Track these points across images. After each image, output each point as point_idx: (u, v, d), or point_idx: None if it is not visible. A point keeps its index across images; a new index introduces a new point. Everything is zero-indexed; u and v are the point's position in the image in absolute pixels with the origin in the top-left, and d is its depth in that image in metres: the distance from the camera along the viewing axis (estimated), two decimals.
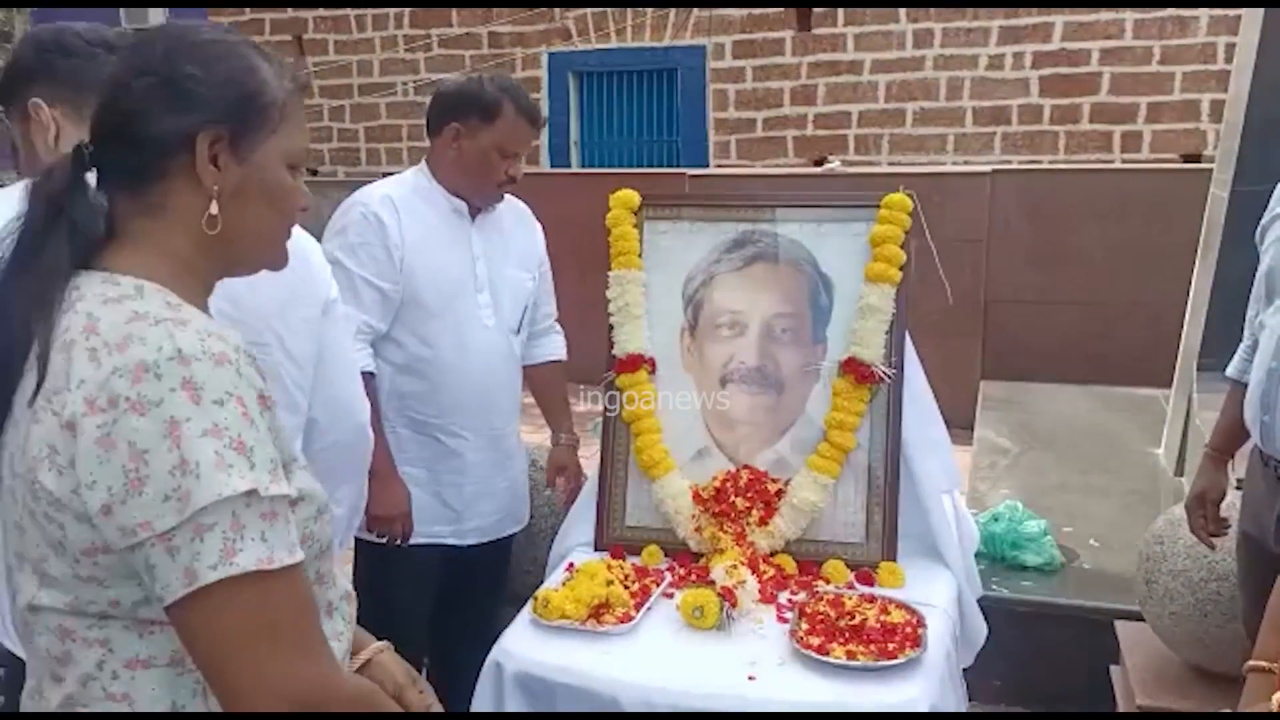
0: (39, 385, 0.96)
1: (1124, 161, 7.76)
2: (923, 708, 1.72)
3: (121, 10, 13.18)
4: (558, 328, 2.66)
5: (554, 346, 2.65)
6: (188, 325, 0.97)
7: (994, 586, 2.95)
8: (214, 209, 1.04)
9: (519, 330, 2.47)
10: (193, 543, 0.91)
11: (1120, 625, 2.72)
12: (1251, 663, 1.51)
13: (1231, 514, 2.17)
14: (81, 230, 1.03)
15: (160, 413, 0.91)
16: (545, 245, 2.57)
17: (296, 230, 1.44)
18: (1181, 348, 4.19)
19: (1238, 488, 2.18)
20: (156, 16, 13.14)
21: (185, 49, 1.05)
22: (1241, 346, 2.18)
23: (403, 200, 2.31)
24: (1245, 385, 2.11)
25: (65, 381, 0.95)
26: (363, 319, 2.23)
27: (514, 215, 2.50)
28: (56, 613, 0.99)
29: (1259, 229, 2.05)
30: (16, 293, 1.00)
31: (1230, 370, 2.19)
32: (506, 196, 2.45)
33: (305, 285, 1.64)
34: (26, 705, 1.07)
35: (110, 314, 0.97)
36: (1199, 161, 7.16)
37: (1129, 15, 7.66)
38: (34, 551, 0.99)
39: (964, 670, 2.21)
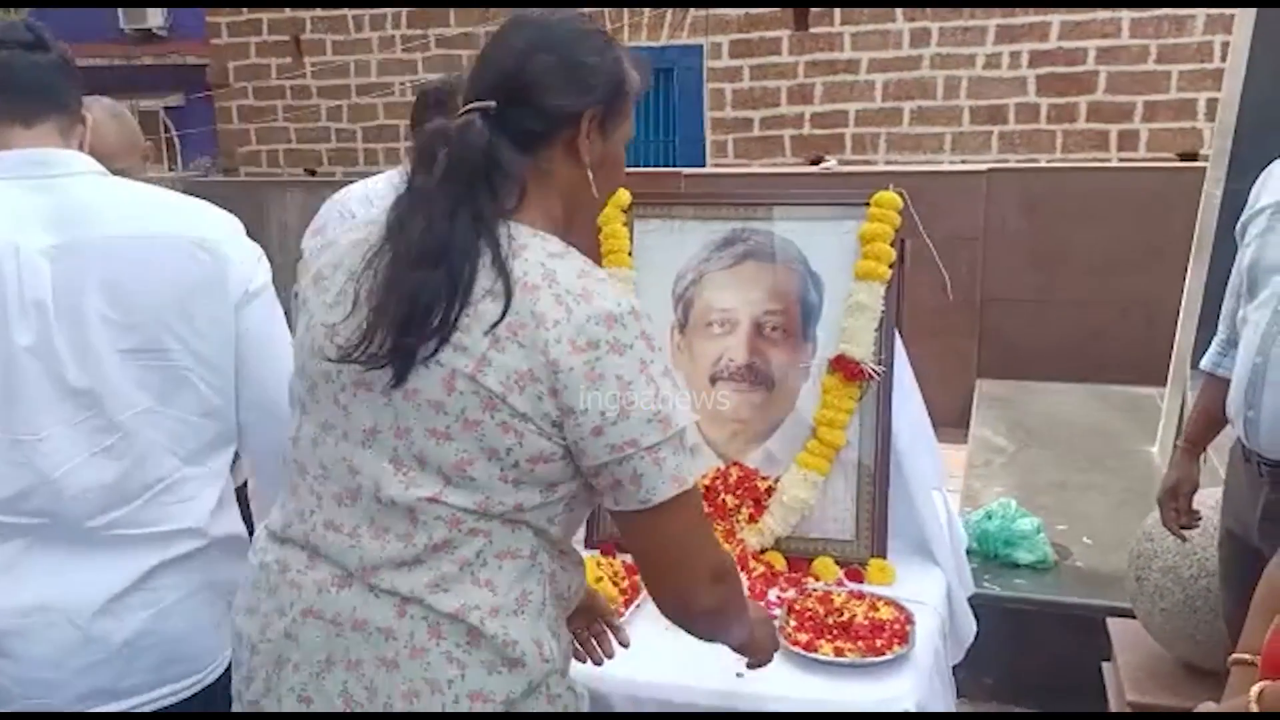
0: (502, 317, 1.13)
1: (1121, 160, 7.78)
2: (909, 705, 1.72)
3: (120, 10, 13.18)
4: None
5: None
6: (616, 283, 1.22)
7: (986, 584, 2.96)
8: (591, 177, 1.26)
9: None
10: (675, 455, 1.17)
11: (1112, 622, 2.73)
12: (1235, 655, 1.51)
13: (1207, 509, 2.19)
14: (503, 182, 1.21)
15: (633, 355, 1.14)
16: None
17: (203, 219, 1.52)
18: (1176, 346, 4.20)
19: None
20: (155, 17, 13.18)
21: (579, 36, 1.26)
22: (1216, 340, 2.19)
23: (379, 196, 2.31)
24: (1219, 378, 2.13)
25: (532, 320, 1.14)
26: None
27: None
28: (452, 508, 1.18)
29: (1240, 224, 2.07)
30: (457, 232, 1.17)
31: (1204, 363, 2.20)
32: None
33: (210, 280, 1.49)
34: (373, 583, 1.20)
35: (562, 267, 1.17)
36: (1195, 160, 7.17)
37: (1125, 14, 7.68)
38: (453, 456, 1.17)
39: (955, 667, 2.22)
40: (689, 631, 1.36)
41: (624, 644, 1.62)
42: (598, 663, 1.61)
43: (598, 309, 1.14)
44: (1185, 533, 2.25)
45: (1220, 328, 2.19)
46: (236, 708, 1.32)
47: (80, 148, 1.54)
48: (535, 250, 1.19)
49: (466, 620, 1.19)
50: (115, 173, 1.79)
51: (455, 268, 1.16)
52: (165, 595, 1.46)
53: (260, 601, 1.28)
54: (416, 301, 1.15)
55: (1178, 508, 2.21)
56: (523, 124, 1.22)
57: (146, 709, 1.47)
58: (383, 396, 1.19)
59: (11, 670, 1.41)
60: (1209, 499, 2.25)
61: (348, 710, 1.20)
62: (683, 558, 1.24)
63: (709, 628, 1.36)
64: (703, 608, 1.28)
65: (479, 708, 1.18)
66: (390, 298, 1.17)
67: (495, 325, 1.14)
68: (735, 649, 1.49)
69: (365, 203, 2.28)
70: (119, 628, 1.43)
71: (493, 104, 1.21)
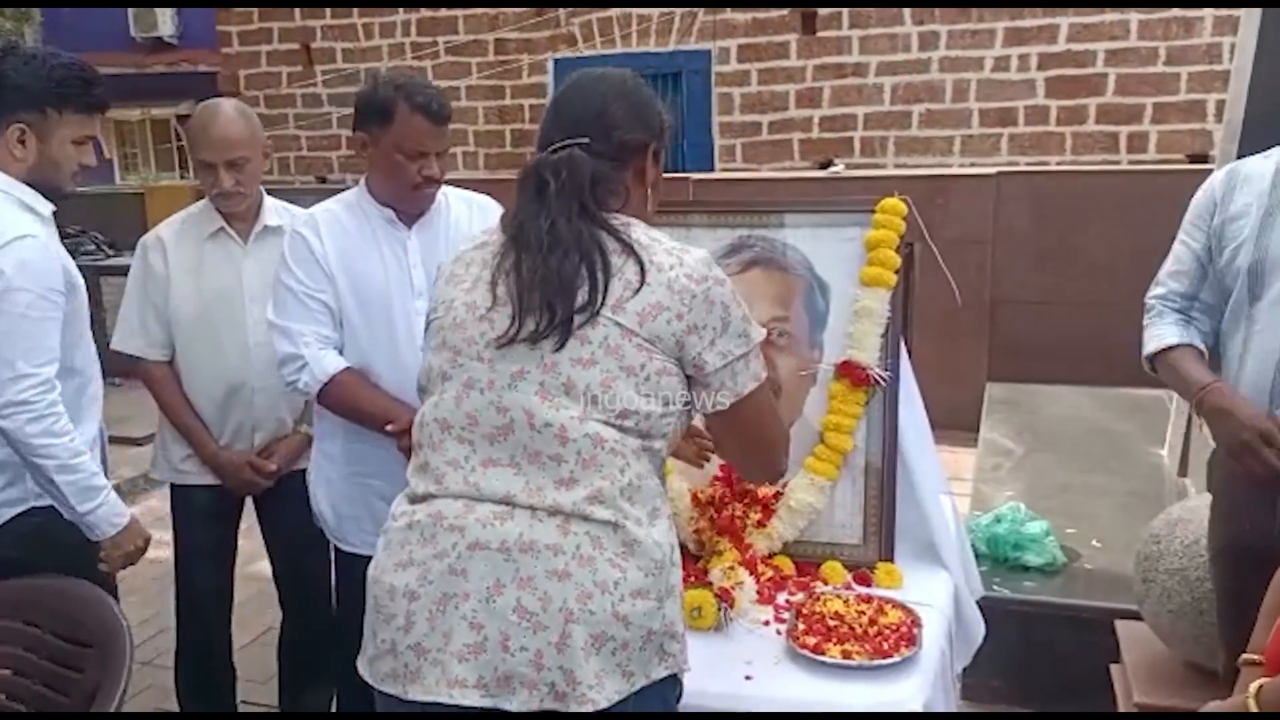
0: (641, 278, 1.46)
1: (1130, 162, 7.76)
2: (916, 707, 1.74)
3: (129, 11, 13.25)
4: None
5: None
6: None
7: (996, 587, 2.97)
8: (649, 195, 1.65)
9: None
10: (755, 360, 1.55)
11: (1120, 624, 2.73)
12: (1245, 656, 1.53)
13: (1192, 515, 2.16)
14: (605, 191, 1.54)
15: (727, 287, 1.52)
16: None
17: None
18: None
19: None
20: (166, 26, 13.24)
21: (640, 87, 1.64)
22: (1165, 321, 2.09)
23: (327, 215, 2.32)
24: (1192, 346, 2.04)
25: (654, 268, 1.47)
26: (316, 331, 2.25)
27: (468, 209, 2.42)
28: (597, 422, 1.45)
29: (1217, 222, 2.02)
30: (577, 227, 1.48)
31: (1169, 340, 2.07)
32: (459, 193, 2.43)
33: None
34: (525, 501, 1.45)
35: (661, 235, 1.55)
36: (1205, 162, 7.15)
37: (1134, 16, 7.67)
38: (598, 378, 1.44)
39: (963, 670, 2.23)
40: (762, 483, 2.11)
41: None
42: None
43: (699, 256, 1.51)
44: (1187, 534, 2.22)
45: (1165, 311, 2.10)
46: (390, 661, 1.46)
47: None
48: (639, 228, 1.54)
49: (624, 528, 1.43)
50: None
51: (586, 251, 1.46)
52: None
53: (413, 553, 1.46)
54: (560, 282, 1.44)
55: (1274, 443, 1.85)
56: (608, 153, 1.56)
57: None
58: (525, 343, 1.47)
59: None
60: (1202, 507, 2.25)
61: (520, 622, 1.38)
62: (763, 436, 1.63)
63: (777, 479, 2.01)
64: (780, 470, 1.73)
65: (641, 605, 1.41)
66: (535, 282, 1.46)
67: (638, 285, 1.46)
68: None
69: (312, 225, 2.30)
70: None
71: (586, 139, 1.54)
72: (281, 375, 2.28)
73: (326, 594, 2.69)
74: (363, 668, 1.52)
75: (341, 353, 2.27)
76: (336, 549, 2.46)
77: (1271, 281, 1.92)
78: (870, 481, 2.21)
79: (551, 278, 1.45)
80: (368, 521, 2.27)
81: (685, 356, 1.49)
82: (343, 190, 2.45)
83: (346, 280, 2.28)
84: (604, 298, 1.45)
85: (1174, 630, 2.46)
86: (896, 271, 2.20)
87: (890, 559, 2.17)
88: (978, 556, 2.79)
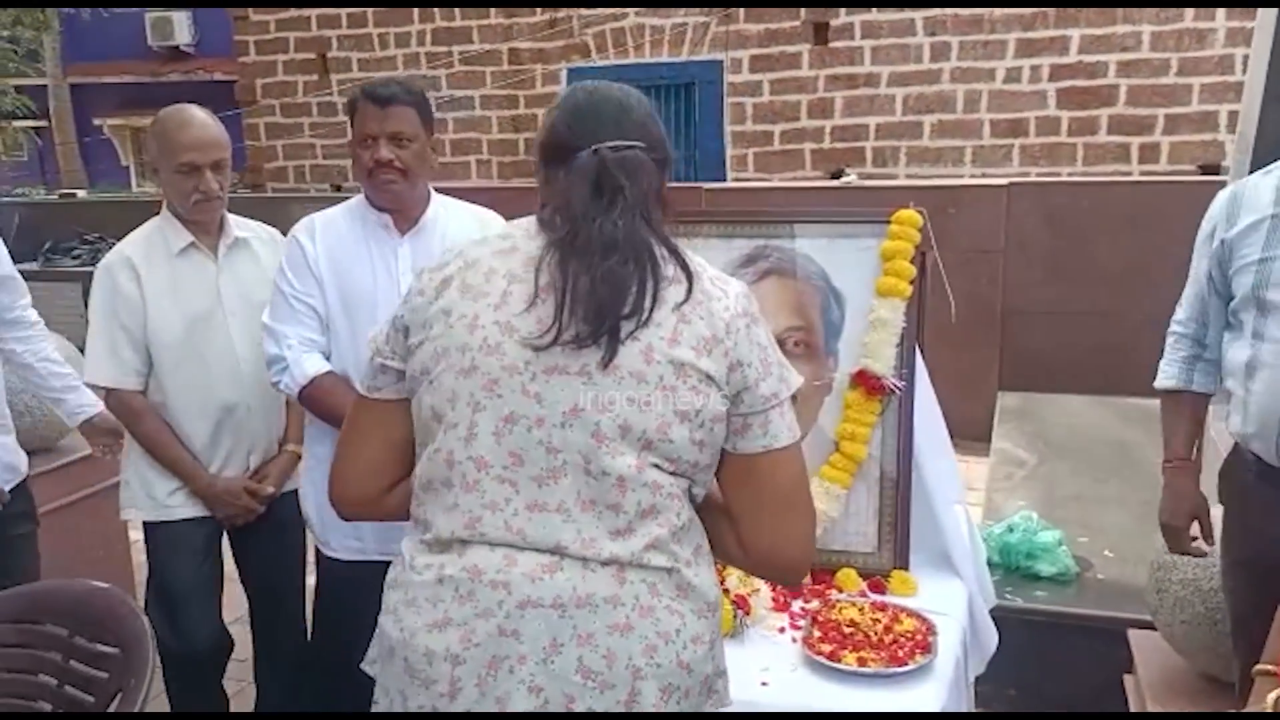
0: (687, 297, 1.36)
1: (1141, 173, 7.76)
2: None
3: (147, 20, 13.34)
4: None
5: None
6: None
7: (1008, 596, 2.97)
8: (666, 214, 1.48)
9: None
10: (790, 410, 1.41)
11: (1133, 634, 2.73)
12: (1260, 666, 1.53)
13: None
14: (656, 201, 1.44)
15: (763, 326, 1.42)
16: None
17: None
18: None
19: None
20: (181, 27, 13.32)
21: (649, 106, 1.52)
22: (1178, 356, 2.18)
23: (326, 221, 2.36)
24: (1194, 393, 2.14)
25: (704, 296, 1.37)
26: (300, 333, 2.30)
27: (467, 221, 2.42)
28: (656, 470, 1.34)
29: (1222, 244, 2.03)
30: (637, 230, 1.38)
31: (1169, 381, 2.19)
32: (460, 204, 2.46)
33: None
34: (577, 553, 1.32)
35: (706, 264, 1.45)
36: (1217, 173, 7.15)
37: (1146, 27, 7.68)
38: (654, 423, 1.33)
39: (977, 679, 2.24)
40: (775, 579, 1.77)
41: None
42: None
43: (739, 289, 1.42)
44: (1204, 547, 2.24)
45: (1179, 345, 2.18)
46: None
47: None
48: (684, 247, 1.44)
49: (678, 572, 1.35)
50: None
51: (640, 256, 1.36)
52: None
53: (450, 612, 1.32)
54: (614, 285, 1.33)
55: (1205, 530, 2.16)
56: (658, 161, 1.46)
57: None
58: (580, 377, 1.33)
59: None
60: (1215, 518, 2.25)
61: (585, 683, 1.29)
62: (793, 503, 1.43)
63: (796, 579, 1.79)
64: (800, 558, 1.46)
65: (699, 650, 1.35)
66: (586, 285, 1.33)
67: (681, 304, 1.36)
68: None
69: (309, 230, 2.34)
70: None
71: (642, 144, 1.44)
72: (269, 376, 2.33)
73: (300, 617, 2.69)
74: None
75: (329, 357, 2.32)
76: (318, 551, 2.48)
77: (1278, 295, 1.91)
78: (885, 490, 2.22)
79: (610, 279, 1.33)
80: (349, 526, 2.28)
81: (732, 393, 1.38)
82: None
83: (334, 284, 2.32)
84: (653, 306, 1.34)
85: (1188, 641, 2.46)
86: (912, 282, 2.22)
87: (905, 567, 2.18)
88: (990, 566, 2.79)
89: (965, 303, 2.38)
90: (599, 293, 1.33)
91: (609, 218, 1.38)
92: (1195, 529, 2.20)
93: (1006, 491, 4.05)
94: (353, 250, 2.34)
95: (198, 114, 2.47)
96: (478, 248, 1.45)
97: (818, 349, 2.29)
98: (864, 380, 2.21)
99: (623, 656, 1.30)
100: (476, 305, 1.38)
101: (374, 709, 1.42)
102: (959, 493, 2.32)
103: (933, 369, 2.29)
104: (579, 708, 1.28)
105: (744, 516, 1.42)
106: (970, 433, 4.79)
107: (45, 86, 14.51)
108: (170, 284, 2.47)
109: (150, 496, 2.53)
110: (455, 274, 1.42)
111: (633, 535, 1.33)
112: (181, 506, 2.52)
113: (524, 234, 1.44)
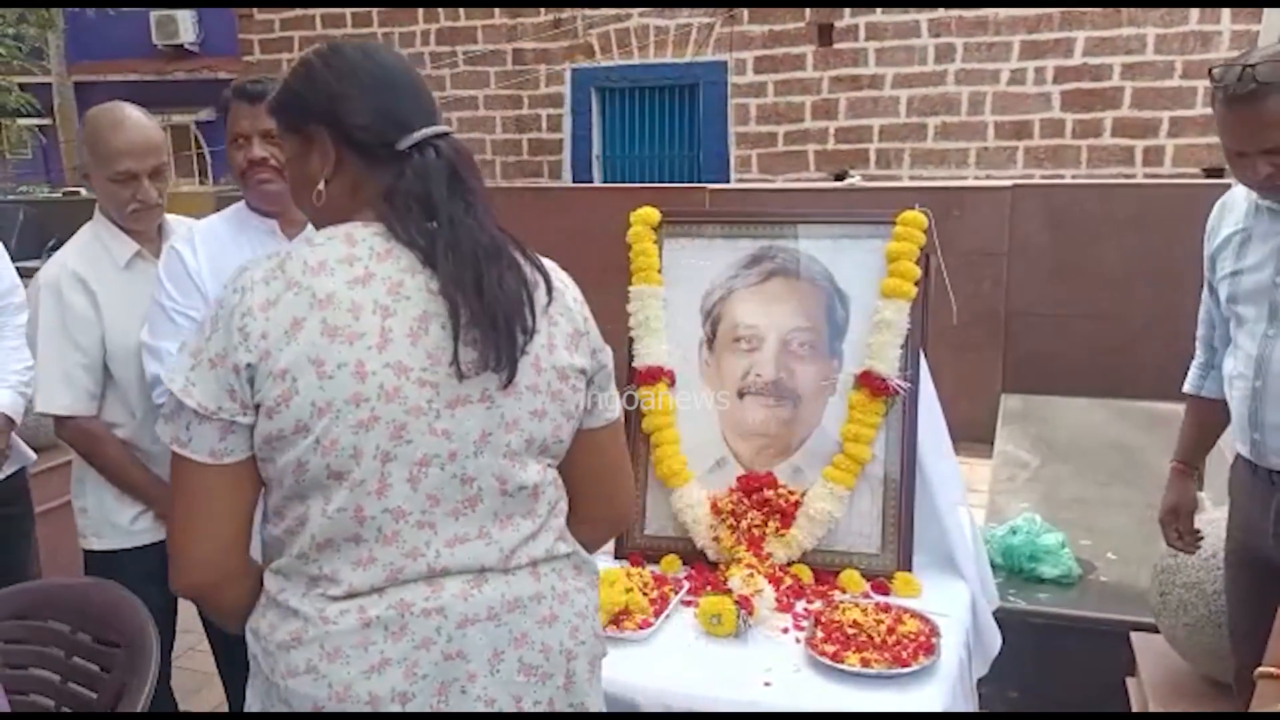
0: (549, 298, 1.34)
1: (1146, 176, 7.76)
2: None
3: (151, 18, 13.35)
4: None
5: None
6: None
7: (1011, 598, 2.97)
8: None
9: None
10: (612, 383, 1.46)
11: (1135, 637, 2.73)
12: (1261, 669, 1.53)
13: (1209, 529, 2.23)
14: (489, 201, 1.36)
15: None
16: None
17: None
18: None
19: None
20: (186, 26, 13.32)
21: None
22: (1195, 363, 2.24)
23: (205, 229, 2.22)
24: (1204, 399, 2.19)
25: (558, 293, 1.36)
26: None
27: None
28: (549, 468, 1.38)
29: (1208, 256, 2.08)
30: (495, 230, 1.31)
31: (1187, 387, 2.26)
32: None
33: None
34: (502, 558, 1.33)
35: (553, 263, 1.41)
36: (1221, 176, 7.14)
37: (1151, 29, 7.67)
38: (549, 430, 1.34)
39: (979, 680, 2.24)
40: (604, 538, 1.65)
41: None
42: None
43: (574, 287, 1.43)
44: (1205, 548, 2.28)
45: (1198, 351, 2.24)
46: None
47: None
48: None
49: (576, 554, 1.42)
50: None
51: (511, 261, 1.30)
52: None
53: (388, 652, 1.25)
54: (508, 300, 1.27)
55: (1180, 528, 2.25)
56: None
57: None
58: (484, 403, 1.28)
59: None
60: (1218, 520, 2.27)
61: (527, 680, 1.32)
62: (623, 467, 1.54)
63: (619, 532, 1.78)
64: (630, 513, 1.61)
65: (599, 618, 1.45)
66: (478, 305, 1.24)
67: (548, 306, 1.34)
68: None
69: (188, 240, 2.19)
70: None
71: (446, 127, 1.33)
72: (153, 397, 2.15)
73: None
74: None
75: None
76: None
77: (1249, 308, 1.96)
78: (888, 491, 2.22)
79: (502, 295, 1.26)
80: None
81: (591, 374, 1.41)
82: None
83: (213, 294, 2.11)
84: (534, 314, 1.30)
85: (1190, 644, 2.46)
86: (916, 283, 2.22)
87: (908, 568, 2.18)
88: (993, 568, 2.79)
89: (969, 305, 2.39)
90: (494, 312, 1.25)
91: (469, 221, 1.27)
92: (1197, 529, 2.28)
93: (1009, 493, 4.04)
94: (235, 258, 2.04)
95: (132, 114, 2.25)
96: (322, 279, 1.23)
97: (822, 350, 2.29)
98: (868, 381, 2.21)
99: (555, 645, 1.34)
100: (355, 350, 1.21)
101: None
102: (960, 494, 2.32)
103: (936, 370, 2.29)
104: (526, 704, 1.31)
105: (587, 486, 1.45)
106: (973, 434, 4.79)
107: (49, 84, 14.51)
108: (124, 297, 2.26)
109: (113, 525, 2.32)
110: (305, 314, 1.21)
111: (544, 533, 1.37)
112: (147, 531, 2.31)
113: (370, 253, 1.26)
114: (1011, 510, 3.68)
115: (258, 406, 1.22)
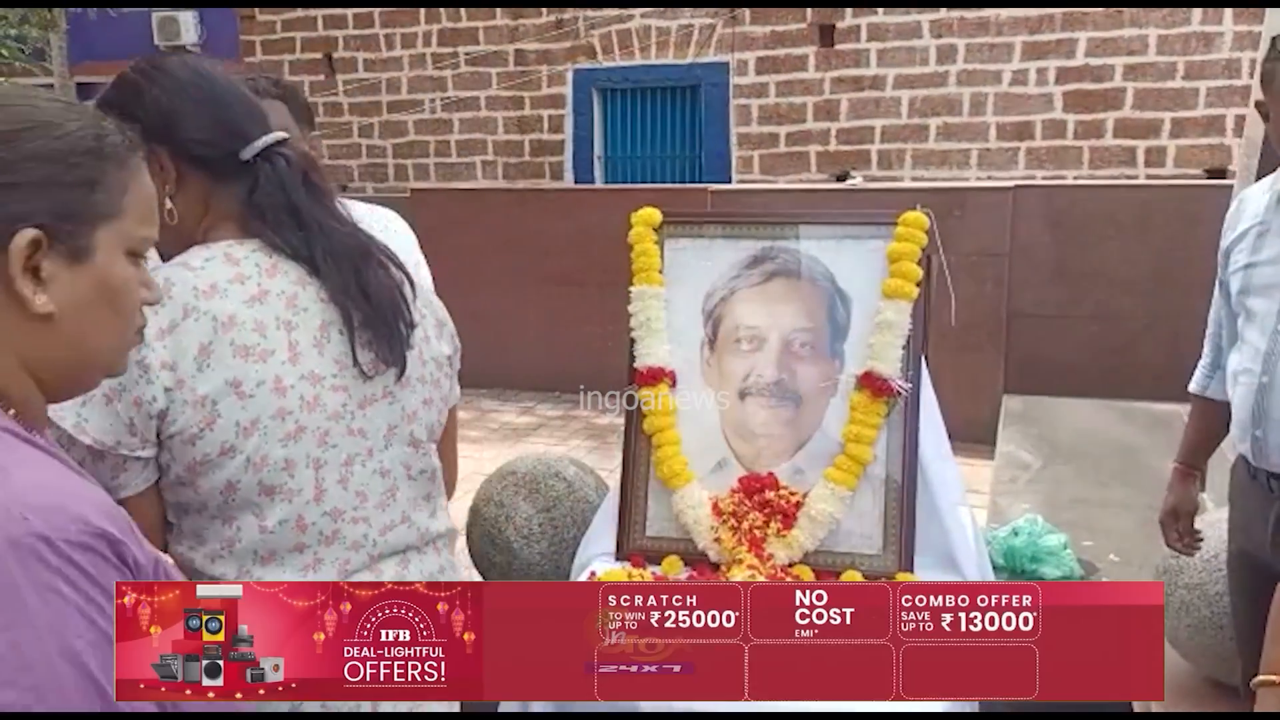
0: (414, 290, 1.40)
1: (1148, 177, 7.75)
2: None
3: (153, 20, 13.36)
4: None
5: None
6: None
7: None
8: None
9: None
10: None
11: None
12: (1261, 678, 1.52)
13: (1210, 530, 2.23)
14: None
15: None
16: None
17: None
18: None
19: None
20: (188, 27, 13.34)
21: None
22: (1201, 363, 2.25)
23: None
24: (1209, 399, 2.19)
25: (420, 288, 1.43)
26: None
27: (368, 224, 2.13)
28: (435, 449, 1.47)
29: (1221, 251, 2.10)
30: (363, 239, 1.37)
31: (1193, 386, 2.26)
32: (365, 206, 2.18)
33: None
34: (432, 527, 1.47)
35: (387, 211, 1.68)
36: (1223, 177, 7.14)
37: (1153, 30, 7.66)
38: (436, 415, 1.45)
39: None
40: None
41: None
42: None
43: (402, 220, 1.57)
44: (1207, 549, 2.27)
45: (1205, 350, 2.25)
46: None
47: None
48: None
49: (452, 529, 1.53)
50: None
51: (379, 258, 1.36)
52: None
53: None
54: (389, 297, 1.34)
55: (1179, 529, 2.26)
56: None
57: None
58: (387, 399, 1.37)
59: None
60: (1220, 521, 2.27)
61: None
62: (455, 440, 1.64)
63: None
64: (455, 481, 1.66)
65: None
66: (366, 308, 1.32)
67: (414, 299, 1.40)
68: None
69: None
70: None
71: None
72: None
73: None
74: None
75: None
76: None
77: (1259, 305, 1.96)
78: (890, 492, 2.22)
79: (383, 294, 1.33)
80: None
81: (452, 358, 1.52)
82: (363, 198, 2.45)
83: None
84: (411, 309, 1.38)
85: (1193, 645, 2.46)
86: (918, 284, 2.22)
87: (909, 569, 2.18)
88: (995, 569, 2.79)
89: (970, 306, 2.39)
90: (382, 312, 1.33)
91: (334, 225, 1.32)
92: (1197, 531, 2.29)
93: (1011, 495, 4.05)
94: None
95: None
96: (217, 301, 1.23)
97: (824, 350, 2.29)
98: (870, 382, 2.21)
99: None
100: (270, 366, 1.25)
101: None
102: (960, 495, 2.32)
103: (938, 371, 2.29)
104: None
105: (448, 455, 1.59)
106: (975, 436, 4.79)
107: (52, 85, 14.55)
108: None
109: None
110: (211, 338, 1.22)
111: (440, 511, 1.50)
112: None
113: (257, 270, 1.28)
114: (1013, 511, 3.69)
115: (172, 436, 1.21)
